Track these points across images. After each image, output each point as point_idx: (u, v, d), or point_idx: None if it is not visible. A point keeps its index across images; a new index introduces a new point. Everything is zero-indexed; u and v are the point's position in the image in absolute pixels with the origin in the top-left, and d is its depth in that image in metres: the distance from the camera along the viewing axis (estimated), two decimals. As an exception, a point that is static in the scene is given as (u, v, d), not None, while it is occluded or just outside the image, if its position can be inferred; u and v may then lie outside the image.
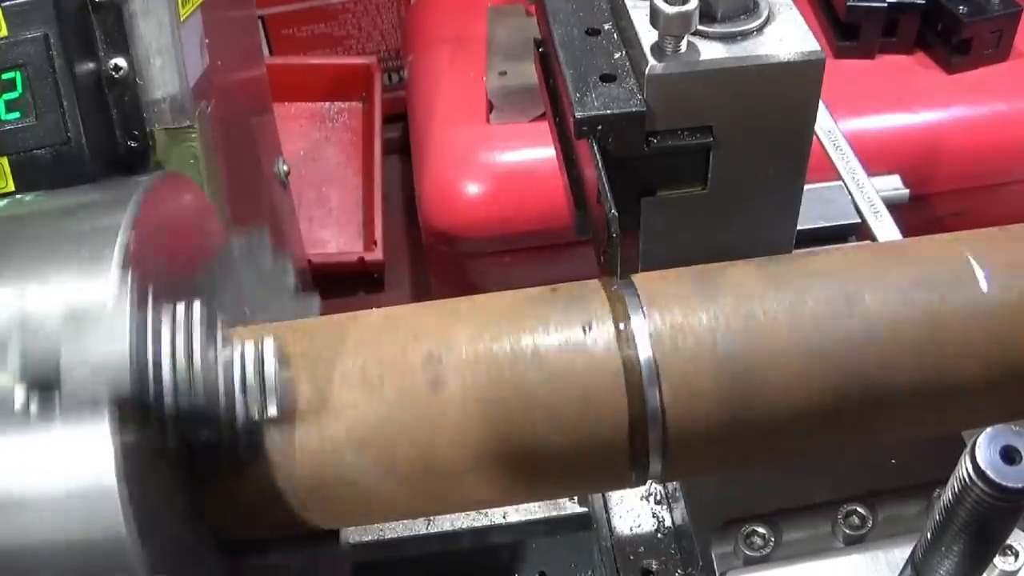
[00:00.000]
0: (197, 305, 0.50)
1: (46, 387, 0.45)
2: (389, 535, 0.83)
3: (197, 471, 0.52)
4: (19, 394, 0.45)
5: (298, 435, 0.52)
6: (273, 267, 0.64)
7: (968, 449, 0.47)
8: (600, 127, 0.62)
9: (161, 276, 0.51)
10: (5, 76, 0.79)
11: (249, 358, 0.51)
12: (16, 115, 0.79)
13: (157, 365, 0.48)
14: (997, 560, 0.61)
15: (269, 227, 1.34)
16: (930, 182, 1.51)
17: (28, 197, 0.61)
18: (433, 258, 1.63)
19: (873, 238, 0.93)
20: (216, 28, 1.00)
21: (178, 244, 0.58)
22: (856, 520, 0.71)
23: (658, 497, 0.82)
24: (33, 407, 0.45)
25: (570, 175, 0.71)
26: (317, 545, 0.58)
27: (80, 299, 0.47)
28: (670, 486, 0.80)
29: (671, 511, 0.80)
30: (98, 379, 0.45)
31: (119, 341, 0.46)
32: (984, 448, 0.46)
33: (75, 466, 0.44)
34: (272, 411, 0.51)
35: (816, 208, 0.95)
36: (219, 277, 0.58)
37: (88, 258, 0.48)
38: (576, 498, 0.83)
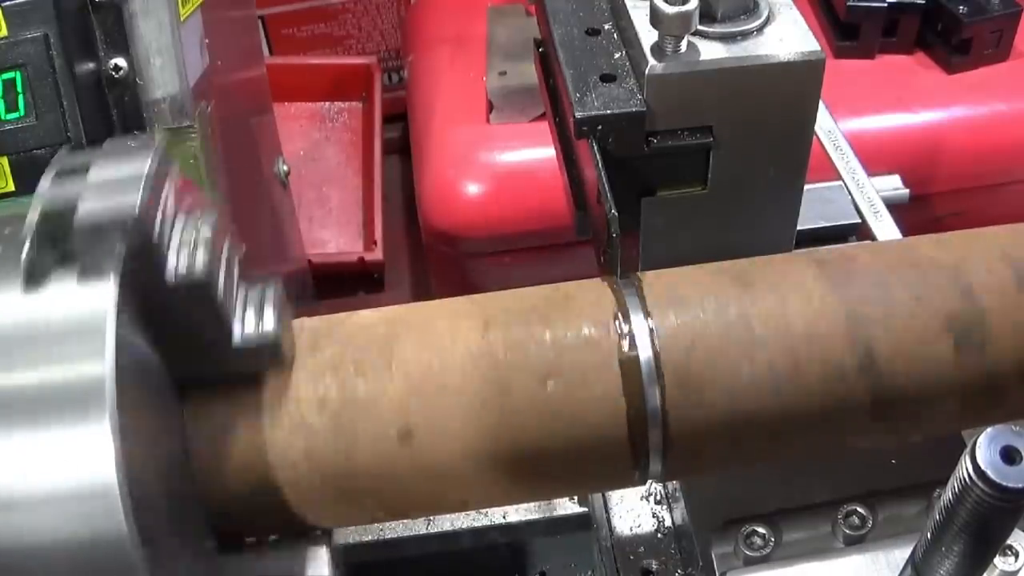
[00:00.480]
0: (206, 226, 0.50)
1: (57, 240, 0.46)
2: (389, 535, 0.82)
3: (192, 450, 0.52)
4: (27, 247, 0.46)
5: (292, 381, 0.52)
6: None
7: (968, 449, 0.47)
8: (600, 127, 0.62)
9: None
10: (5, 76, 0.79)
11: (254, 287, 0.52)
12: (16, 115, 0.79)
13: (164, 225, 0.48)
14: (997, 560, 0.61)
15: (269, 227, 1.35)
16: (930, 182, 1.51)
17: (27, 198, 0.61)
18: (433, 258, 1.63)
19: (873, 238, 0.93)
20: (216, 28, 1.00)
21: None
22: (856, 520, 0.71)
23: (658, 497, 0.82)
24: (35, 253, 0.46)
25: (570, 175, 0.71)
26: (309, 543, 0.58)
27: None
28: (670, 486, 0.81)
29: (671, 511, 0.80)
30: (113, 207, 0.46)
31: (131, 195, 0.46)
32: (984, 448, 0.46)
33: (75, 463, 0.44)
34: (271, 326, 0.51)
35: (816, 208, 0.95)
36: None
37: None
38: (576, 498, 0.83)
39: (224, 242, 0.51)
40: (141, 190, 0.47)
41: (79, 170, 0.49)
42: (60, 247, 0.46)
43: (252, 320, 0.51)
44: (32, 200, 0.48)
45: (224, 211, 0.52)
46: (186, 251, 0.48)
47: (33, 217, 0.47)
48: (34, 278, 0.46)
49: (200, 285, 0.48)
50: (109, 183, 0.48)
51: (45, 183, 0.48)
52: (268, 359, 0.52)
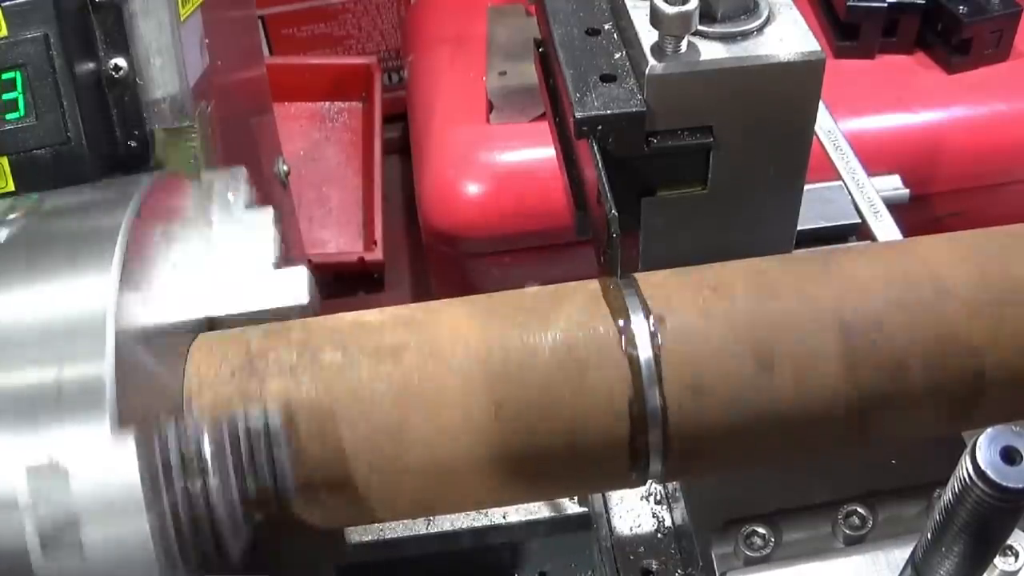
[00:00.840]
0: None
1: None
2: (389, 535, 0.82)
3: None
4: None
5: (297, 418, 0.52)
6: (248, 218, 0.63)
7: (968, 449, 0.47)
8: (600, 127, 0.62)
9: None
10: (5, 76, 0.78)
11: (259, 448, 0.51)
12: (16, 115, 0.79)
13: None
14: (997, 560, 0.61)
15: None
16: (930, 182, 1.51)
17: (28, 197, 0.61)
18: (433, 258, 1.63)
19: (873, 238, 0.93)
20: (216, 28, 1.00)
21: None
22: (856, 520, 0.71)
23: (658, 497, 0.82)
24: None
25: (570, 175, 0.71)
26: (313, 544, 0.58)
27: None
28: (670, 486, 0.80)
29: (671, 511, 0.80)
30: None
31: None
32: (984, 448, 0.46)
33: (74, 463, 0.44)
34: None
35: (816, 208, 0.95)
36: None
37: (87, 257, 0.48)
38: (576, 498, 0.83)
39: (225, 457, 0.50)
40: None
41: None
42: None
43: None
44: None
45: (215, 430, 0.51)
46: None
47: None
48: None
49: None
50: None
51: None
52: None
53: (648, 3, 0.60)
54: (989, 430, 0.46)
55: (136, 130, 0.87)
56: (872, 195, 0.96)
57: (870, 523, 0.71)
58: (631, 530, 0.80)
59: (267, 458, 0.50)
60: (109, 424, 0.44)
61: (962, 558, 0.50)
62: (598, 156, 0.61)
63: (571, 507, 0.83)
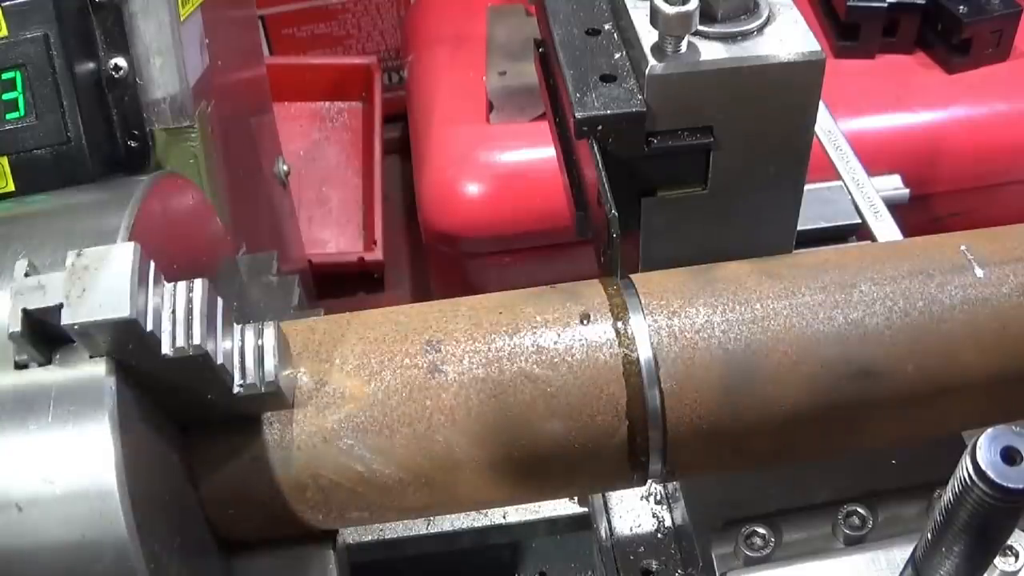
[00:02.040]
0: (198, 302, 0.50)
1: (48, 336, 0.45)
2: (389, 535, 0.82)
3: (195, 458, 0.52)
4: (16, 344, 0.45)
5: (296, 421, 0.52)
6: (278, 281, 0.64)
7: (968, 450, 0.46)
8: (600, 127, 0.62)
9: (160, 277, 0.51)
10: (5, 76, 0.78)
11: (249, 336, 0.51)
12: (16, 115, 0.79)
13: (157, 312, 0.47)
14: (997, 561, 0.61)
15: (269, 227, 1.35)
16: (930, 182, 1.51)
17: (28, 198, 0.61)
18: (433, 258, 1.63)
19: (873, 238, 0.93)
20: (216, 28, 1.00)
21: (178, 244, 0.58)
22: (856, 520, 0.71)
23: (658, 497, 0.82)
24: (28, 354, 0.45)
25: (570, 175, 0.71)
26: (312, 544, 0.58)
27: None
28: (670, 486, 0.80)
29: (671, 511, 0.80)
30: (101, 311, 0.45)
31: (122, 299, 0.45)
32: (985, 449, 0.46)
33: (76, 466, 0.44)
34: (271, 371, 0.50)
35: (816, 208, 0.95)
36: (222, 283, 0.58)
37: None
38: (576, 498, 0.83)
39: (217, 302, 0.50)
40: (128, 294, 0.45)
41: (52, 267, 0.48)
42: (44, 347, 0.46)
43: (252, 367, 0.51)
44: (8, 300, 0.46)
45: (211, 286, 0.51)
46: (181, 328, 0.47)
47: (15, 323, 0.45)
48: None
49: (196, 358, 0.48)
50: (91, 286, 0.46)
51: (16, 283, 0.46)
52: (269, 401, 0.52)
53: (648, 3, 0.60)
54: (989, 430, 0.46)
55: (136, 130, 0.87)
56: (872, 195, 0.96)
57: (870, 523, 0.71)
58: (631, 530, 0.80)
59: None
60: (109, 426, 0.44)
61: (962, 558, 0.50)
62: (598, 156, 0.61)
63: (571, 507, 0.83)
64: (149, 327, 0.46)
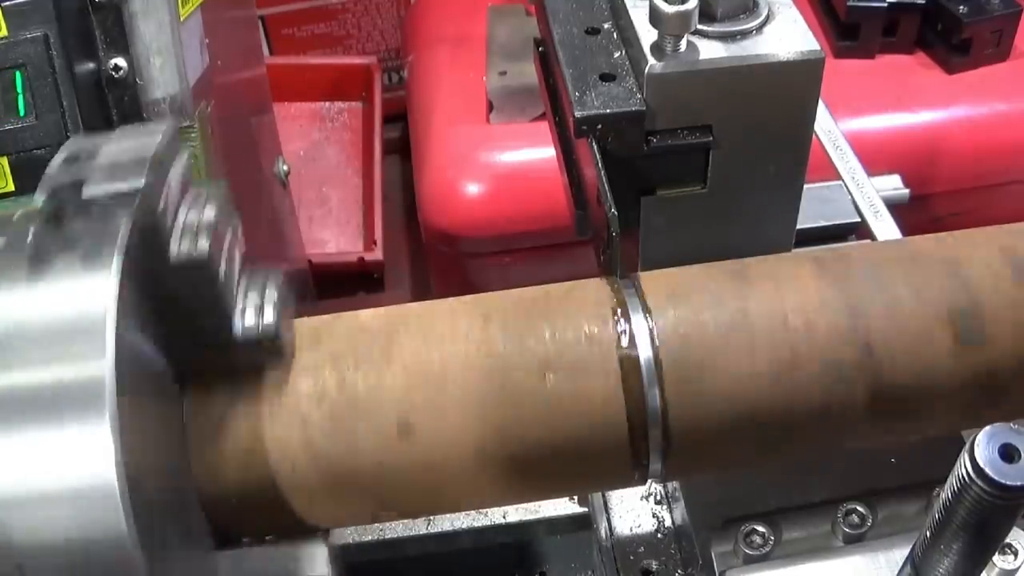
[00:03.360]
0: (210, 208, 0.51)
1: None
2: (389, 535, 0.82)
3: (193, 449, 0.52)
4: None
5: (292, 374, 0.53)
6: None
7: (967, 447, 0.47)
8: (600, 126, 0.62)
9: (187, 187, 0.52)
10: (5, 76, 0.79)
11: (255, 279, 0.52)
12: (16, 115, 0.79)
13: (168, 202, 0.49)
14: (996, 558, 0.61)
15: (269, 227, 1.35)
16: (930, 182, 1.51)
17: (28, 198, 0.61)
18: (433, 258, 1.63)
19: (873, 238, 0.93)
20: (216, 28, 1.00)
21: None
22: (856, 519, 0.71)
23: (658, 497, 0.82)
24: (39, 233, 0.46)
25: (570, 175, 0.71)
26: (308, 542, 0.58)
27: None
28: (670, 486, 0.80)
29: (671, 511, 0.80)
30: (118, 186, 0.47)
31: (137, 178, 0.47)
32: (983, 446, 0.46)
33: (75, 465, 0.44)
34: (271, 316, 0.51)
35: (816, 208, 0.95)
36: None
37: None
38: (576, 498, 0.83)
39: (227, 229, 0.51)
40: (147, 170, 0.48)
41: (89, 154, 0.50)
42: (66, 228, 0.47)
43: (252, 312, 0.52)
44: (40, 183, 0.48)
45: (228, 200, 0.52)
46: (189, 233, 0.49)
47: (40, 196, 0.47)
48: (38, 266, 0.46)
49: (202, 266, 0.48)
50: (117, 164, 0.48)
51: (55, 165, 0.49)
52: (268, 353, 0.52)
53: (648, 2, 0.60)
54: (987, 428, 0.46)
55: (136, 130, 0.87)
56: (872, 195, 0.96)
57: (869, 521, 0.71)
58: (631, 530, 0.80)
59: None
60: (109, 423, 0.44)
61: (961, 556, 0.50)
62: (598, 155, 0.61)
63: (571, 507, 0.83)
64: (159, 216, 0.48)
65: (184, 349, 0.52)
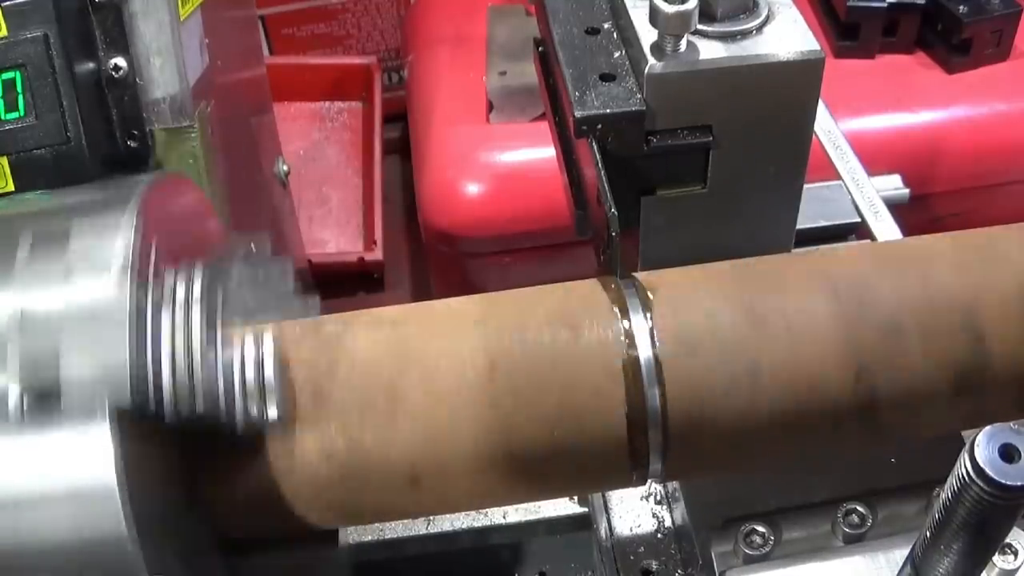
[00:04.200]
0: (196, 306, 0.50)
1: (44, 393, 0.45)
2: (389, 535, 0.82)
3: (197, 468, 0.52)
4: (13, 397, 0.44)
5: (297, 434, 0.52)
6: (271, 271, 0.64)
7: (967, 447, 0.47)
8: (600, 126, 0.62)
9: (160, 276, 0.51)
10: (5, 76, 0.79)
11: (249, 358, 0.51)
12: (16, 115, 0.79)
13: (157, 373, 0.47)
14: (996, 558, 0.61)
15: (269, 227, 1.35)
16: (930, 182, 1.51)
17: (28, 196, 0.61)
18: (433, 258, 1.63)
19: (873, 238, 0.93)
20: (216, 28, 1.00)
21: (178, 244, 0.58)
22: (856, 519, 0.71)
23: (658, 497, 0.82)
24: (27, 411, 0.45)
25: (570, 175, 0.71)
26: (316, 546, 0.58)
27: (81, 300, 0.46)
28: (670, 486, 0.80)
29: (671, 511, 0.80)
30: (98, 389, 0.45)
31: (119, 349, 0.45)
32: (983, 446, 0.46)
33: (75, 466, 0.44)
34: (272, 413, 0.51)
35: (816, 208, 0.95)
36: (218, 279, 0.59)
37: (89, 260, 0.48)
38: (576, 498, 0.83)
39: (216, 341, 0.50)
40: (127, 345, 0.45)
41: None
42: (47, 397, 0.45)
43: (254, 398, 0.51)
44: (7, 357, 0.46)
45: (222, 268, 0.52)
46: (183, 390, 0.47)
47: (12, 372, 0.45)
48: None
49: (204, 417, 0.48)
50: (87, 328, 0.46)
51: (12, 327, 0.46)
52: (270, 427, 0.52)
53: (648, 2, 0.60)
54: (988, 428, 0.46)
55: (136, 130, 0.87)
56: (872, 195, 0.96)
57: (869, 521, 0.71)
58: (631, 530, 0.80)
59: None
60: (109, 424, 0.44)
61: (961, 556, 0.50)
62: (598, 155, 0.61)
63: (571, 507, 0.83)
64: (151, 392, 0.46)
65: (186, 445, 0.51)
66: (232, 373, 0.51)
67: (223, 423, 0.50)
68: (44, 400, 0.45)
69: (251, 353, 0.51)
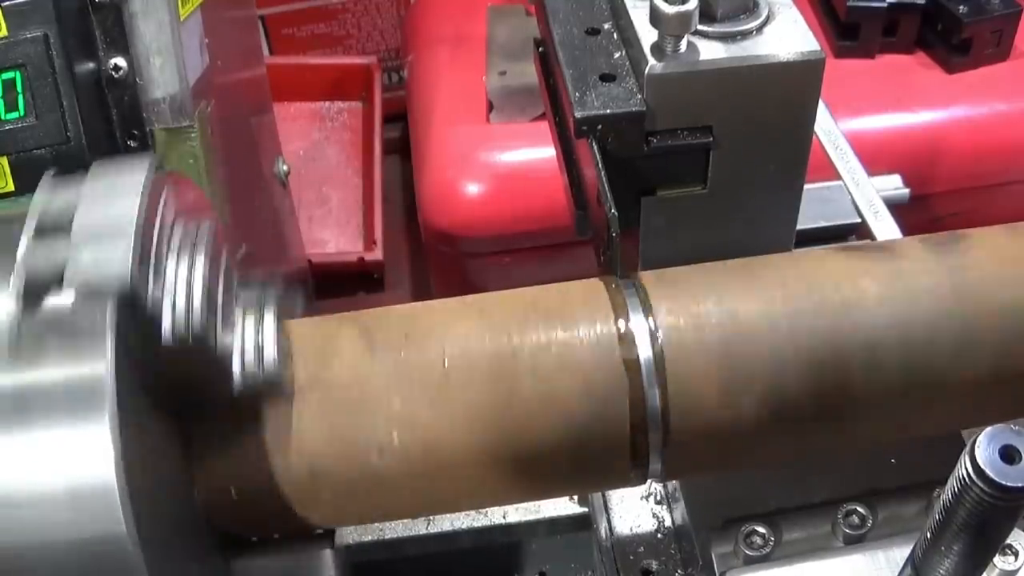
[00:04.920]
0: (202, 252, 0.50)
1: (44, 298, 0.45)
2: (389, 535, 0.82)
3: (194, 457, 0.52)
4: (9, 304, 0.45)
5: (295, 430, 0.52)
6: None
7: (967, 448, 0.47)
8: (600, 127, 0.62)
9: (168, 224, 0.51)
10: (5, 76, 0.79)
11: (250, 322, 0.52)
12: (16, 115, 0.79)
13: (159, 287, 0.48)
14: (997, 559, 0.61)
15: (269, 227, 1.35)
16: (930, 182, 1.51)
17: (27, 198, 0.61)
18: (433, 258, 1.63)
19: (873, 238, 0.93)
20: (216, 28, 1.00)
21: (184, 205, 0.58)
22: (856, 519, 0.71)
23: (658, 497, 0.82)
24: (22, 326, 0.45)
25: (570, 175, 0.71)
26: (311, 544, 0.58)
27: (95, 214, 0.48)
28: (670, 486, 0.80)
29: (671, 511, 0.80)
30: (102, 286, 0.45)
31: (125, 257, 0.46)
32: (983, 447, 0.46)
33: (74, 464, 0.44)
34: (271, 360, 0.51)
35: (816, 208, 0.95)
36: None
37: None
38: (576, 498, 0.82)
39: (219, 281, 0.50)
40: (131, 248, 0.46)
41: (61, 224, 0.48)
42: (51, 327, 0.45)
43: (251, 356, 0.51)
44: (16, 255, 0.46)
45: (219, 228, 0.51)
46: (181, 307, 0.47)
47: (18, 282, 0.46)
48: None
49: (197, 343, 0.48)
50: (96, 235, 0.47)
51: (26, 242, 0.47)
52: (268, 391, 0.52)
53: (648, 3, 0.60)
54: (988, 429, 0.46)
55: (136, 130, 0.87)
56: (872, 195, 0.96)
57: (870, 522, 0.71)
58: (631, 530, 0.80)
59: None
60: (109, 425, 0.44)
61: (961, 557, 0.50)
62: (598, 156, 0.61)
63: (571, 507, 0.83)
64: (149, 306, 0.46)
65: (181, 400, 0.51)
66: (233, 316, 0.51)
67: (219, 369, 0.50)
68: (42, 314, 0.45)
69: (251, 320, 0.52)
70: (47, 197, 0.49)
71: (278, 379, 0.51)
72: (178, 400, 0.51)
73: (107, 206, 0.49)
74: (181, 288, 0.48)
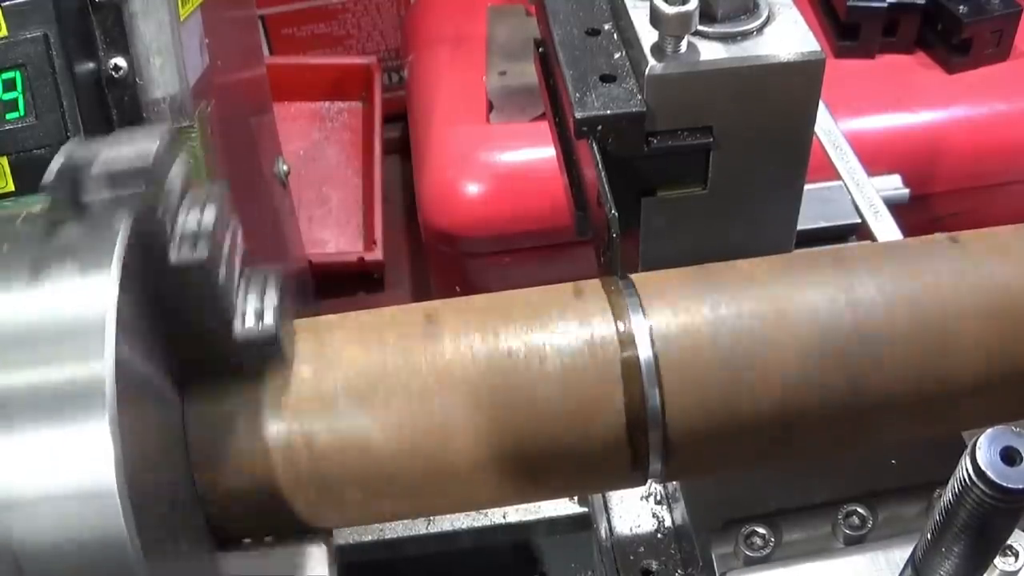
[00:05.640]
0: (213, 206, 0.51)
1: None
2: (389, 535, 0.83)
3: (192, 451, 0.52)
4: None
5: (293, 427, 0.52)
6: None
7: (968, 450, 0.47)
8: (600, 127, 0.62)
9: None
10: (5, 76, 0.79)
11: (255, 281, 0.52)
12: (16, 115, 0.79)
13: (171, 205, 0.49)
14: (997, 561, 0.61)
15: (269, 227, 1.35)
16: (930, 182, 1.51)
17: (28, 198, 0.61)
18: (433, 258, 1.63)
19: (873, 238, 0.93)
20: (216, 28, 1.00)
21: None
22: (856, 520, 0.71)
23: (658, 497, 0.82)
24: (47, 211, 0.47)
25: (570, 175, 0.71)
26: (307, 543, 0.58)
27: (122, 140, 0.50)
28: (670, 486, 0.80)
29: (671, 511, 0.80)
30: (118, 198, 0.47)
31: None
32: (984, 449, 0.46)
33: (74, 466, 0.44)
34: (269, 321, 0.51)
35: (816, 208, 0.95)
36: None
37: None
38: (576, 498, 0.83)
39: (227, 232, 0.51)
40: (145, 175, 0.48)
41: (87, 160, 0.50)
42: (65, 234, 0.47)
43: (252, 315, 0.52)
44: (39, 189, 0.48)
45: (228, 202, 0.52)
46: (189, 236, 0.49)
47: (39, 203, 0.47)
48: (38, 272, 0.45)
49: (201, 268, 0.48)
50: (115, 170, 0.48)
51: (52, 171, 0.49)
52: (268, 354, 0.52)
53: (648, 3, 0.60)
54: (989, 431, 0.46)
55: (136, 130, 0.87)
56: (872, 195, 0.96)
57: (870, 523, 0.71)
58: (631, 530, 0.80)
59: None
60: (109, 425, 0.44)
61: (962, 558, 0.50)
62: (598, 156, 0.61)
63: (571, 507, 0.83)
64: (160, 215, 0.48)
65: (184, 351, 0.52)
66: (234, 276, 0.51)
67: (220, 316, 0.50)
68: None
69: (256, 280, 0.53)
70: (75, 146, 0.51)
71: (278, 337, 0.51)
72: (180, 343, 0.51)
73: (130, 143, 0.50)
74: (192, 220, 0.49)
